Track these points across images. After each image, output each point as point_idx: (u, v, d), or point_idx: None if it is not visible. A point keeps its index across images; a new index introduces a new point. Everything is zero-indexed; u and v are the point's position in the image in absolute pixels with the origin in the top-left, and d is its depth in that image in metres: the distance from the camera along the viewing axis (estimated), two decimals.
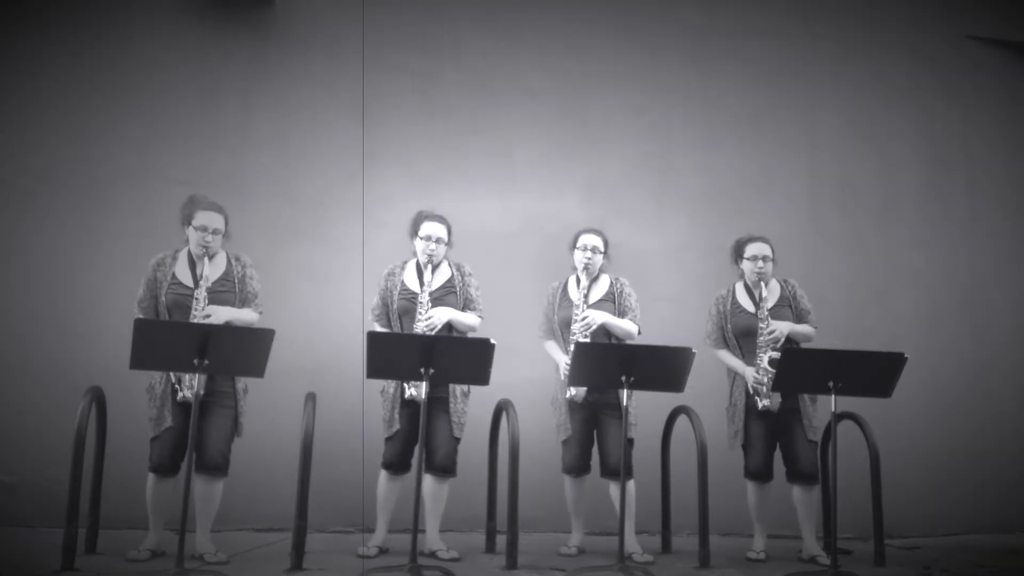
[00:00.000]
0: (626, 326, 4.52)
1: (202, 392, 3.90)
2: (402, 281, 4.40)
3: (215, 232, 4.08)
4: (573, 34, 5.97)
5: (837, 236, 5.99)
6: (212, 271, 4.08)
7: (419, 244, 4.40)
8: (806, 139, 6.13)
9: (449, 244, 4.45)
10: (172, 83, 5.44)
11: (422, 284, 4.32)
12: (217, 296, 4.05)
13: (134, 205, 5.18)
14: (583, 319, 4.44)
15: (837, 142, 6.16)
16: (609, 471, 4.40)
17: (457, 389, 4.32)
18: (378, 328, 4.39)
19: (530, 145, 5.81)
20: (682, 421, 4.58)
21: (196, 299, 3.98)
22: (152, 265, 4.10)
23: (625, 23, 6.03)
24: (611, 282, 4.65)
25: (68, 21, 5.38)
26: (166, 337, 3.72)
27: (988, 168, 6.32)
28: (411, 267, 4.45)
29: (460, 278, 4.45)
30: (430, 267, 4.34)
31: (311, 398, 4.08)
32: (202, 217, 4.08)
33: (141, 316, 4.04)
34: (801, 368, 4.07)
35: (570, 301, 4.59)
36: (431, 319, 4.26)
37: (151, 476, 4.04)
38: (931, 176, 6.23)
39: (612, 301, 4.59)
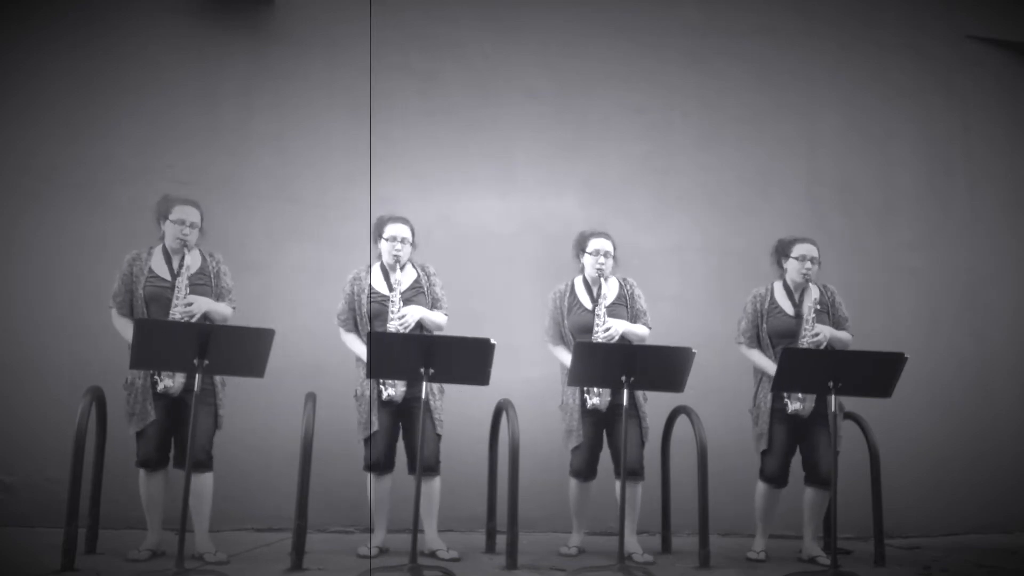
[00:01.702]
0: (640, 331, 4.50)
1: (180, 388, 3.97)
2: (369, 285, 4.40)
3: (192, 226, 4.13)
4: (573, 34, 5.97)
5: (837, 236, 5.97)
6: (190, 265, 4.12)
7: (385, 246, 4.40)
8: (806, 139, 6.13)
9: (414, 244, 4.45)
10: (172, 83, 5.44)
11: (390, 285, 4.32)
12: (195, 289, 4.10)
13: (134, 205, 5.16)
14: (606, 330, 4.41)
15: (837, 142, 6.16)
16: (627, 472, 4.33)
17: (435, 386, 4.32)
18: (344, 334, 4.42)
19: (530, 145, 5.81)
20: (682, 421, 4.58)
21: (177, 288, 4.01)
22: (127, 260, 4.15)
23: (625, 23, 6.03)
24: (620, 284, 4.61)
25: (68, 21, 5.37)
26: (166, 337, 3.74)
27: (988, 168, 6.31)
28: (376, 271, 4.45)
29: (426, 278, 4.46)
30: (398, 267, 4.35)
31: (311, 398, 4.09)
32: (179, 211, 4.13)
33: (115, 310, 4.13)
34: (801, 368, 4.07)
35: (581, 306, 4.55)
36: (404, 318, 4.27)
37: (141, 472, 4.07)
38: (931, 176, 6.23)
39: (624, 305, 4.56)
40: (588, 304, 4.54)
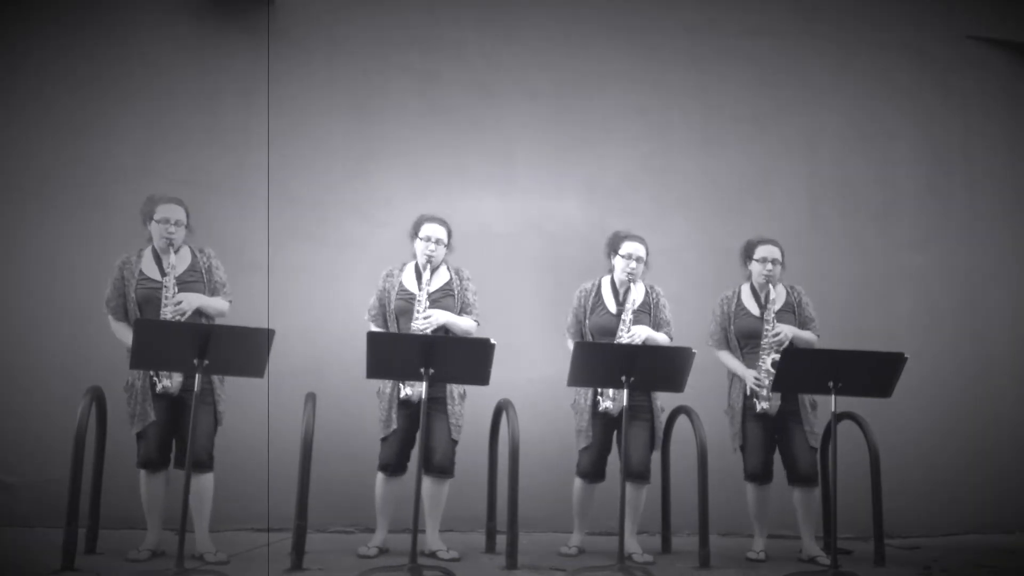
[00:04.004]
0: (661, 339, 4.49)
1: (179, 388, 3.97)
2: (400, 282, 4.40)
3: (177, 223, 4.11)
4: (573, 34, 5.97)
5: (837, 236, 5.98)
6: (179, 263, 4.11)
7: (419, 245, 4.39)
8: (806, 139, 6.13)
9: (449, 247, 4.45)
10: (172, 83, 5.44)
11: (420, 285, 4.33)
12: (187, 287, 4.09)
13: (134, 205, 5.13)
14: (630, 335, 4.39)
15: (837, 142, 6.16)
16: (631, 475, 4.31)
17: (455, 390, 4.32)
18: (374, 328, 4.40)
19: (530, 145, 5.81)
20: (682, 421, 4.58)
21: (165, 287, 4.01)
22: (117, 265, 4.16)
23: (625, 23, 6.03)
24: (647, 291, 4.59)
25: (68, 21, 5.37)
26: (166, 337, 3.74)
27: (988, 168, 6.31)
28: (409, 269, 4.45)
29: (459, 281, 4.45)
30: (429, 268, 4.34)
31: (311, 398, 4.09)
32: (163, 210, 4.13)
33: (111, 316, 4.15)
34: (801, 368, 4.07)
35: (604, 307, 4.53)
36: (429, 318, 4.26)
37: (142, 473, 4.07)
38: (931, 176, 6.23)
39: (648, 312, 4.54)
40: (612, 307, 4.52)
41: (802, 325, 4.61)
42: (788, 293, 4.66)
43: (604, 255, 4.68)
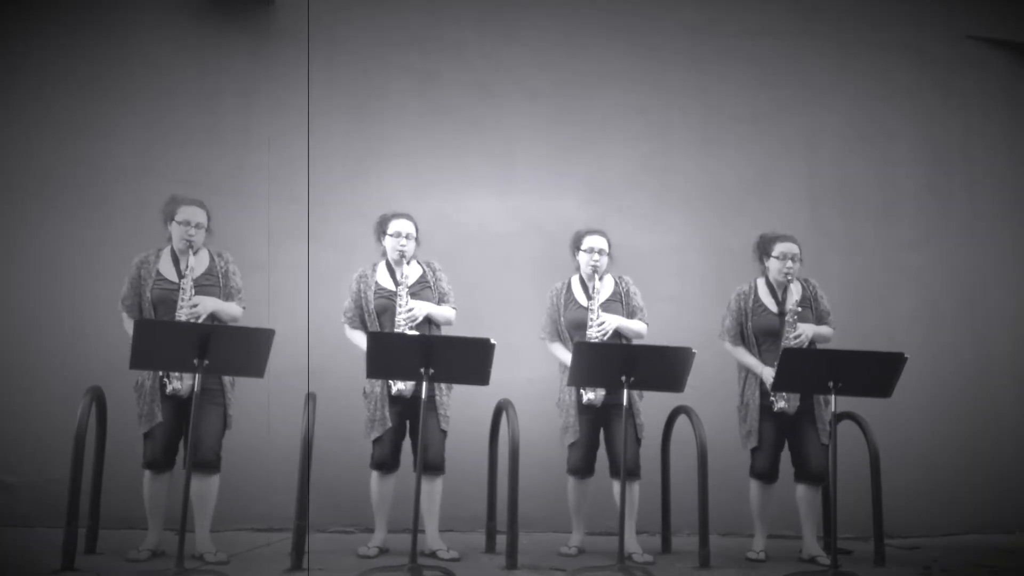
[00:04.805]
0: (636, 327, 4.52)
1: (189, 390, 3.96)
2: (376, 282, 4.42)
3: (198, 226, 4.13)
4: (573, 34, 5.97)
5: (837, 236, 5.98)
6: (196, 266, 4.12)
7: (390, 242, 4.42)
8: (806, 139, 6.12)
9: (418, 241, 4.46)
10: (172, 83, 5.44)
11: (396, 280, 4.33)
12: (203, 290, 4.10)
13: (134, 205, 5.17)
14: (600, 324, 4.43)
15: (837, 142, 6.15)
16: (618, 471, 4.33)
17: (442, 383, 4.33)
18: (348, 331, 4.44)
19: (530, 145, 5.81)
20: (682, 421, 4.58)
21: (183, 289, 4.01)
22: (135, 263, 4.16)
23: (625, 23, 6.03)
24: (616, 282, 4.64)
25: (68, 21, 5.38)
26: (166, 337, 3.74)
27: (988, 168, 6.31)
28: (381, 268, 4.47)
29: (431, 273, 4.48)
30: (403, 263, 4.36)
31: (311, 398, 4.09)
32: (185, 212, 4.14)
33: (125, 314, 4.15)
34: (801, 368, 4.07)
35: (576, 303, 4.57)
36: (412, 311, 4.27)
37: (146, 473, 4.07)
38: (931, 176, 6.22)
39: (619, 301, 4.58)
40: (584, 301, 4.55)
41: (819, 319, 4.60)
42: (804, 287, 4.64)
43: (570, 254, 4.71)
